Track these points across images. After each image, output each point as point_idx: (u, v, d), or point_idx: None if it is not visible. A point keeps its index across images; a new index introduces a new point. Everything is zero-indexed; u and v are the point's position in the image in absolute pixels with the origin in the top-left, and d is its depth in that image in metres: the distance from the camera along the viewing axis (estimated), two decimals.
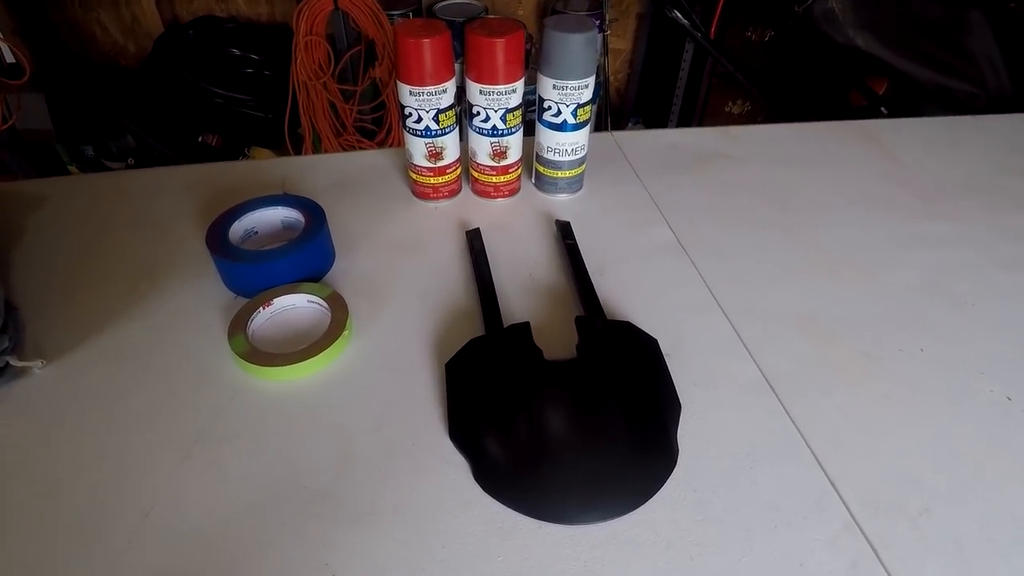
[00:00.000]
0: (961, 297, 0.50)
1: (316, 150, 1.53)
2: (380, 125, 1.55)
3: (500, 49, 0.49)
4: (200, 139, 1.67)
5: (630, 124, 1.81)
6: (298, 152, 1.55)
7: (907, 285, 0.51)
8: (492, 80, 0.51)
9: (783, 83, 1.30)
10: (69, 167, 1.75)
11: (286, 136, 1.53)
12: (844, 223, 0.58)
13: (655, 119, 1.81)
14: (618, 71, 1.98)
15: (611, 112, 2.00)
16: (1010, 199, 0.63)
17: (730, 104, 1.68)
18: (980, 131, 0.75)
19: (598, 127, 1.75)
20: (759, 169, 0.66)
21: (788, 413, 0.39)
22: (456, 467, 0.36)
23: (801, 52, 1.20)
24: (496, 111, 0.52)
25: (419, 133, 0.53)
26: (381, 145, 1.54)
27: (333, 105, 1.46)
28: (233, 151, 1.68)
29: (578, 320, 0.41)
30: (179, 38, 1.64)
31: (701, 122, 1.66)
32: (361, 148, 1.52)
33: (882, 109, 1.15)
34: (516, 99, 0.52)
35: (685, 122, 1.70)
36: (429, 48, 0.49)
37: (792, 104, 1.23)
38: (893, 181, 0.65)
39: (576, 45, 0.50)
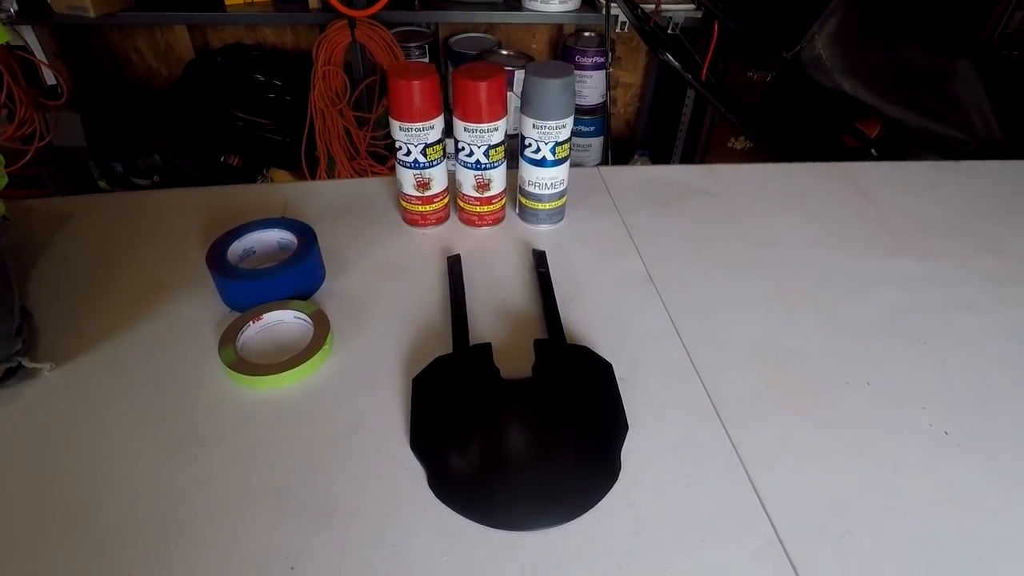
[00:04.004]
0: (916, 335, 0.52)
1: (330, 173, 1.60)
2: (392, 150, 1.61)
3: (483, 91, 0.53)
4: (222, 159, 1.75)
5: (636, 156, 1.85)
6: (313, 174, 1.62)
7: (865, 320, 0.53)
8: (476, 119, 0.55)
9: (780, 124, 1.34)
10: (99, 182, 1.84)
11: (303, 159, 1.60)
12: (812, 258, 0.61)
13: (660, 152, 1.86)
14: (628, 104, 2.03)
15: (620, 143, 2.05)
16: (980, 243, 0.65)
17: (732, 140, 1.72)
18: (959, 176, 0.78)
19: (601, 159, 1.79)
20: (736, 206, 0.69)
21: (730, 437, 0.42)
22: (413, 474, 0.39)
23: (796, 94, 1.25)
24: (479, 147, 0.56)
25: (408, 165, 0.58)
26: (392, 169, 1.60)
27: (348, 131, 1.53)
28: (253, 172, 1.76)
29: (536, 343, 0.45)
30: (208, 64, 1.74)
31: (704, 157, 1.70)
32: (373, 172, 1.59)
33: (872, 151, 1.18)
34: (498, 136, 0.57)
35: (688, 156, 1.74)
36: (418, 89, 0.53)
37: (787, 144, 1.26)
38: (867, 220, 0.68)
39: (553, 89, 0.54)
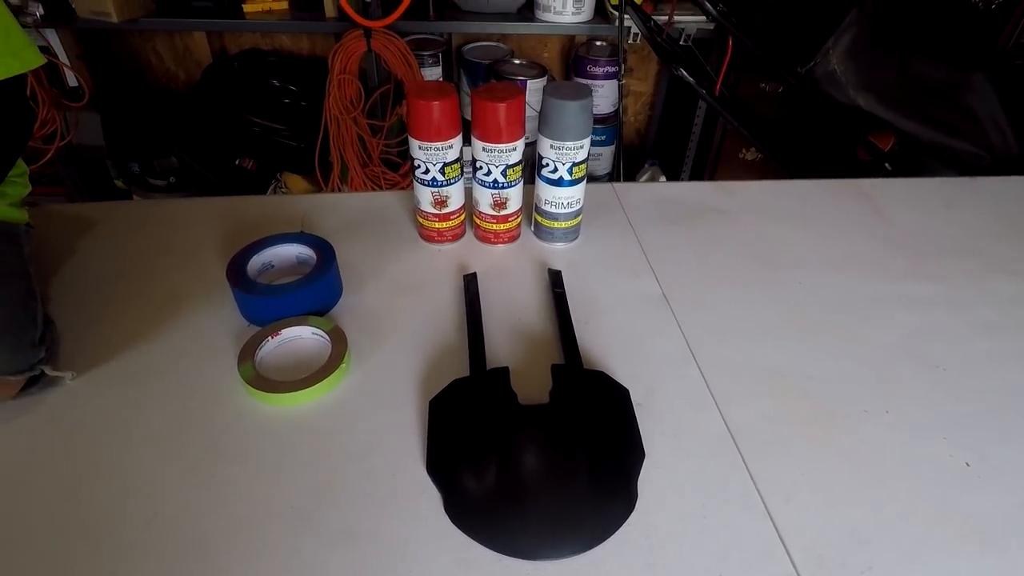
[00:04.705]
0: (934, 360, 0.51)
1: (343, 179, 1.61)
2: (405, 158, 1.62)
3: (502, 112, 0.54)
4: (237, 163, 1.76)
5: (646, 165, 1.85)
6: (326, 180, 1.63)
7: (882, 345, 0.53)
8: (495, 139, 0.55)
9: (793, 136, 1.33)
10: (116, 181, 1.86)
11: (316, 165, 1.61)
12: (828, 281, 0.60)
13: (671, 162, 1.85)
14: (639, 112, 2.03)
15: (631, 152, 2.05)
16: (997, 264, 0.64)
17: (744, 151, 1.71)
18: (975, 193, 0.77)
19: (612, 168, 1.79)
20: (750, 224, 0.69)
21: (747, 467, 0.42)
22: (430, 499, 0.39)
23: (809, 107, 1.24)
24: (497, 166, 0.57)
25: (426, 183, 0.58)
26: (405, 176, 1.61)
27: (361, 138, 1.54)
28: (266, 176, 1.77)
29: (554, 368, 0.45)
30: (225, 68, 1.76)
31: (715, 167, 1.69)
32: (386, 179, 1.59)
33: (886, 165, 1.17)
34: (516, 156, 0.57)
35: (699, 167, 1.73)
36: (438, 109, 0.54)
37: (800, 157, 1.26)
38: (882, 240, 0.67)
39: (572, 111, 0.54)
